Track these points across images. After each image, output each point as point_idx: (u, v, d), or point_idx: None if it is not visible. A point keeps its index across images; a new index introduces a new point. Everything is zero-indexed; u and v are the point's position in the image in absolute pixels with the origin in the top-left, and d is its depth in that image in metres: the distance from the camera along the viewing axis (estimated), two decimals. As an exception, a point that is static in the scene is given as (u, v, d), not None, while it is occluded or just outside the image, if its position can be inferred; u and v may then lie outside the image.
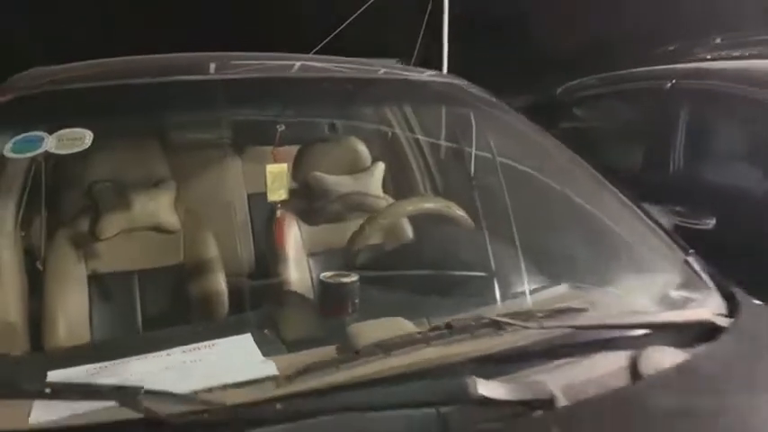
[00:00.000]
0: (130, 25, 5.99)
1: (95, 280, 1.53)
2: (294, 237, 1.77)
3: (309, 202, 1.83)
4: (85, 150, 1.19)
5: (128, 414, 0.73)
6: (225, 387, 0.80)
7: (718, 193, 2.56)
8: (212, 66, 1.60)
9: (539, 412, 0.81)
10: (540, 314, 1.01)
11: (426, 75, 1.96)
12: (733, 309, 1.13)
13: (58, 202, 1.58)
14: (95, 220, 1.52)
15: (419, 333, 0.94)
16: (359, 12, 4.92)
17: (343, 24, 5.09)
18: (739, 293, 1.19)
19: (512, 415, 0.80)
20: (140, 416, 0.73)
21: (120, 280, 1.59)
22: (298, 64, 1.72)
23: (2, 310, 1.33)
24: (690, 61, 5.98)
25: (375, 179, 1.93)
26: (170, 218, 1.64)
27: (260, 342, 0.95)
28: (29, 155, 1.17)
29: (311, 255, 1.81)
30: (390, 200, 1.87)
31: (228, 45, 1.94)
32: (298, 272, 1.68)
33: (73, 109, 1.29)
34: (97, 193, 1.53)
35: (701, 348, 1.00)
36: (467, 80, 1.80)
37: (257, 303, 1.31)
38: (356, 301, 1.16)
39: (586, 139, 3.59)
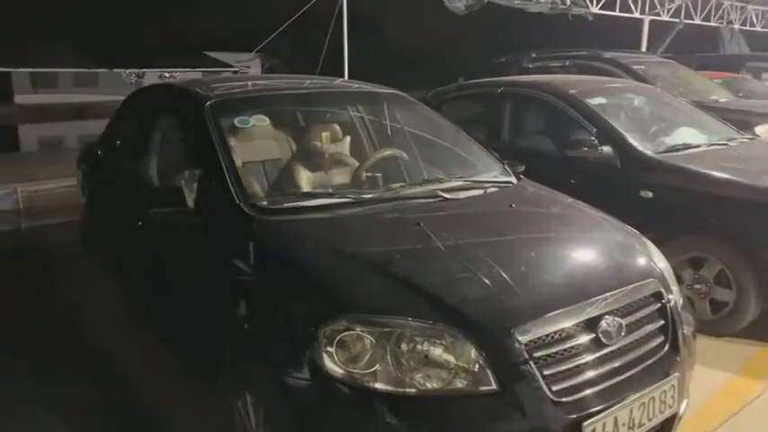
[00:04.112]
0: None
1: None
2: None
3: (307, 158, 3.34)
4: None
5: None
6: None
7: (526, 153, 4.58)
8: (300, 83, 3.28)
9: (445, 198, 2.60)
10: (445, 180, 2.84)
11: (373, 86, 3.71)
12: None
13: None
14: None
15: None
16: (292, 18, 6.42)
17: (278, 30, 6.63)
18: (525, 178, 3.11)
19: (442, 199, 2.59)
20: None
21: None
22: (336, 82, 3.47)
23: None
24: (518, 71, 8.29)
25: (345, 145, 3.58)
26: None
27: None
28: (245, 126, 2.79)
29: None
30: (353, 160, 3.48)
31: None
32: None
33: (250, 105, 2.91)
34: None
35: (504, 189, 2.88)
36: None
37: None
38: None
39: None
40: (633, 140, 4.00)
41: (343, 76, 8.87)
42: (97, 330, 3.66)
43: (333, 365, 1.82)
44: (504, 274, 2.03)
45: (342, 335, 1.83)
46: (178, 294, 2.76)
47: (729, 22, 16.28)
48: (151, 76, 24.39)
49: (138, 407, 2.92)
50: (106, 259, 3.88)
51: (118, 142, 3.76)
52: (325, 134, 3.18)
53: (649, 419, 2.02)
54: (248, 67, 22.66)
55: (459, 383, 1.80)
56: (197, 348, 2.56)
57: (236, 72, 17.84)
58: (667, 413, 2.09)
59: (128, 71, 25.92)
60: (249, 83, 3.32)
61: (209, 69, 19.44)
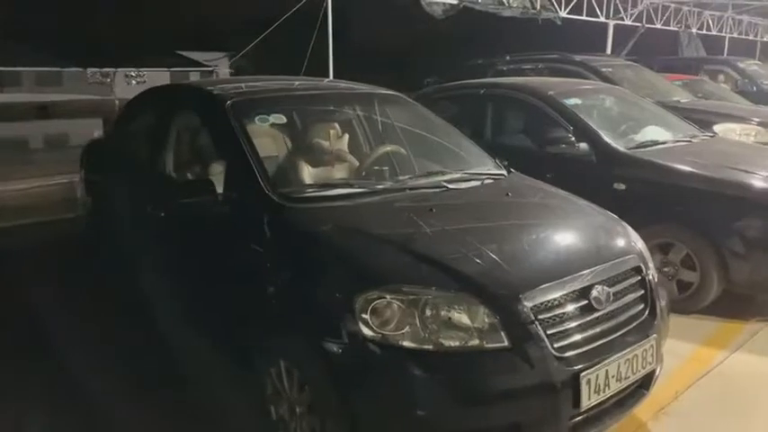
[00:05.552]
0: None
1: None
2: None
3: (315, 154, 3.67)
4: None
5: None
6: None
7: (507, 150, 4.92)
8: (297, 83, 3.55)
9: (449, 188, 2.93)
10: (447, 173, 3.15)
11: (373, 87, 4.01)
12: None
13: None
14: None
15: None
16: (278, 23, 6.72)
17: (265, 32, 6.91)
18: (514, 171, 3.44)
19: (446, 189, 2.91)
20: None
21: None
22: (328, 83, 3.73)
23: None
24: (494, 73, 8.63)
25: (344, 142, 3.87)
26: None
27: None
28: (264, 124, 3.05)
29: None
30: (351, 157, 3.76)
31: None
32: None
33: (266, 105, 3.18)
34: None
35: (498, 181, 3.21)
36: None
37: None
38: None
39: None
40: (607, 137, 4.38)
41: (326, 76, 9.14)
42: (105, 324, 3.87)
43: (366, 329, 2.10)
44: (511, 250, 2.36)
45: (375, 303, 2.12)
46: (206, 277, 3.00)
47: (687, 26, 17.08)
48: (119, 76, 24.02)
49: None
50: (117, 249, 4.08)
51: (131, 140, 3.97)
52: (333, 131, 3.46)
53: (633, 373, 2.36)
54: (216, 66, 22.69)
55: (476, 341, 2.11)
56: (228, 325, 2.82)
57: (211, 72, 17.89)
58: (648, 369, 2.44)
59: (94, 70, 25.45)
60: (257, 84, 3.56)
61: (184, 69, 19.44)
